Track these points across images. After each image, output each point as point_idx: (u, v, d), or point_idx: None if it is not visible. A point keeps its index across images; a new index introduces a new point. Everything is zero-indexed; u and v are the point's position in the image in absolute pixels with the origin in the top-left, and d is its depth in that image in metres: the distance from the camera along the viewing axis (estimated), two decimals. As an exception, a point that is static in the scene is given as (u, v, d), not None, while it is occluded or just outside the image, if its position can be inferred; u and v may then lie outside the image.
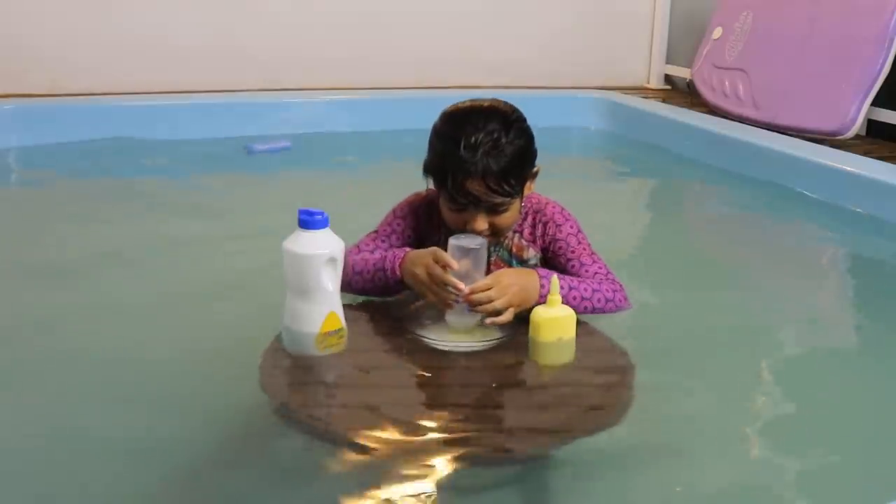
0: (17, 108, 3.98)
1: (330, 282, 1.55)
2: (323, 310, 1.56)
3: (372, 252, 1.82)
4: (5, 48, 4.31)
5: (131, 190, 3.37)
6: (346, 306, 1.60)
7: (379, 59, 4.94)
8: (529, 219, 1.88)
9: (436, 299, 1.64)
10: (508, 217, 1.77)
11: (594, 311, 1.75)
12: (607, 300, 1.77)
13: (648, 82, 5.58)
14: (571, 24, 5.35)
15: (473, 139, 1.66)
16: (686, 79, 5.18)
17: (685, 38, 5.33)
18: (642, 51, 5.57)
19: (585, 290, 1.74)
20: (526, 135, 1.76)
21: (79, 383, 1.81)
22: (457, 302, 1.62)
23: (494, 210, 1.72)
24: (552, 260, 1.85)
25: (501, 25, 5.21)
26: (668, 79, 5.56)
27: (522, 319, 1.67)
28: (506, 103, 1.79)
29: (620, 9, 5.47)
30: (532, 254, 1.87)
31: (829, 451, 1.69)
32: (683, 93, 5.29)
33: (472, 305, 1.62)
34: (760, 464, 1.63)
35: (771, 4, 4.45)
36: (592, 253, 1.86)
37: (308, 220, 1.54)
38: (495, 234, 1.78)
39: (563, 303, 1.66)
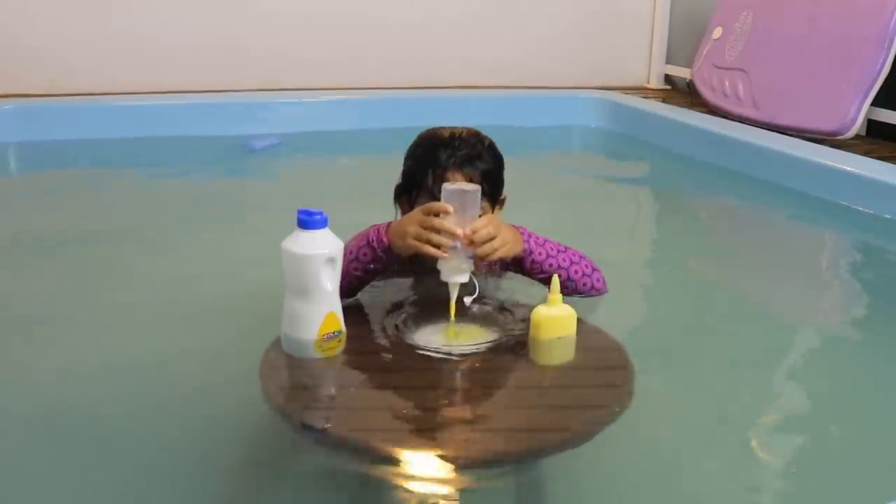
0: (16, 108, 3.98)
1: (329, 282, 1.55)
2: (322, 310, 1.56)
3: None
4: (4, 48, 4.31)
5: (130, 189, 3.37)
6: (344, 310, 1.59)
7: (380, 60, 4.94)
8: None
9: (431, 251, 1.61)
10: None
11: (568, 281, 1.78)
12: (584, 274, 1.82)
13: (648, 82, 5.58)
14: (572, 24, 5.35)
15: (456, 142, 1.81)
16: (686, 79, 5.18)
17: (685, 38, 5.33)
18: (642, 51, 5.57)
19: (564, 260, 1.78)
20: (499, 155, 1.89)
21: (73, 383, 1.81)
22: (454, 248, 1.60)
23: None
24: (522, 261, 1.83)
25: (502, 25, 5.21)
26: (668, 79, 5.56)
27: (521, 319, 1.67)
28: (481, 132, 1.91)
29: (620, 9, 5.47)
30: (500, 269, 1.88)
31: (829, 450, 1.69)
32: (683, 93, 5.29)
33: (475, 244, 1.61)
34: (761, 464, 1.63)
35: (771, 4, 4.44)
36: (558, 243, 1.88)
37: (307, 220, 1.53)
38: None
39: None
